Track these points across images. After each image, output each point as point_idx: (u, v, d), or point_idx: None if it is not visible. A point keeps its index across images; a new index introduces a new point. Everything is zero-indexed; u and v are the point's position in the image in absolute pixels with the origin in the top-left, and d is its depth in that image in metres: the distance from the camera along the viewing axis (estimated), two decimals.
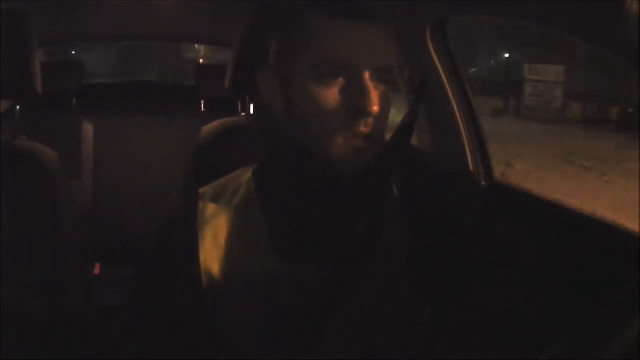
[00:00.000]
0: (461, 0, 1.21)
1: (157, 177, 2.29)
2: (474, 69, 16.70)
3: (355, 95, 0.73)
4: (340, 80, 0.74)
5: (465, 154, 1.42)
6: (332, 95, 0.74)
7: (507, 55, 17.70)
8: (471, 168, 1.41)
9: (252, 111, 1.54)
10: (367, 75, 0.74)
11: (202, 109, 2.51)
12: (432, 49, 1.38)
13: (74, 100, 2.41)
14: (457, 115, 1.41)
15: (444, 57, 1.40)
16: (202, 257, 0.81)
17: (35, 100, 1.19)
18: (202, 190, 0.87)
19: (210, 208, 0.84)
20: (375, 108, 0.74)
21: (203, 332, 0.82)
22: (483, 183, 1.42)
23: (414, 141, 1.56)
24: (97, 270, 2.16)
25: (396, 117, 0.89)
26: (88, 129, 2.35)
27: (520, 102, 15.37)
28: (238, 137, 1.35)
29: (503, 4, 1.08)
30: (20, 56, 1.12)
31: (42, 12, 1.84)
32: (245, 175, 0.87)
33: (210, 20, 2.26)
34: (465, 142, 1.41)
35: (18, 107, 1.31)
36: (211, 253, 0.82)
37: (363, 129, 0.74)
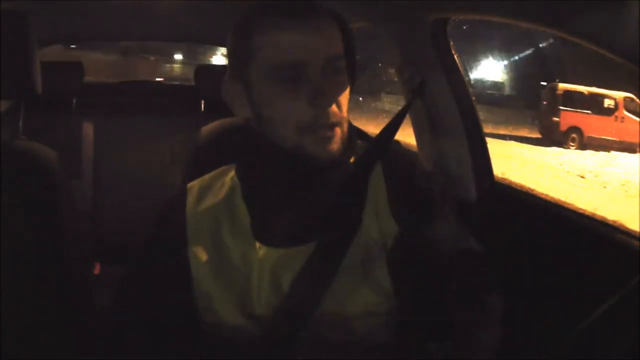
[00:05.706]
0: (462, 0, 1.21)
1: (157, 177, 2.28)
2: None
3: (313, 89, 0.76)
4: (296, 77, 0.76)
5: (465, 153, 1.42)
6: (291, 93, 0.77)
7: None
8: (470, 168, 1.41)
9: None
10: (320, 67, 0.77)
11: (202, 109, 2.50)
12: (432, 49, 1.38)
13: (74, 100, 2.40)
14: (457, 115, 1.41)
15: (445, 57, 1.40)
16: (190, 245, 0.85)
17: (35, 100, 1.19)
18: (189, 185, 0.92)
19: (198, 201, 0.88)
20: (334, 97, 0.77)
21: (192, 317, 0.85)
22: (483, 183, 1.42)
23: (414, 141, 1.56)
24: (97, 270, 2.16)
25: None
26: (88, 129, 2.34)
27: None
28: (237, 137, 1.34)
29: (504, 4, 1.08)
30: (20, 56, 1.12)
31: (42, 12, 1.84)
32: (229, 173, 0.91)
33: (210, 21, 2.25)
34: (465, 142, 1.41)
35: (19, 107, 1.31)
36: (199, 242, 0.85)
37: (327, 119, 0.77)
